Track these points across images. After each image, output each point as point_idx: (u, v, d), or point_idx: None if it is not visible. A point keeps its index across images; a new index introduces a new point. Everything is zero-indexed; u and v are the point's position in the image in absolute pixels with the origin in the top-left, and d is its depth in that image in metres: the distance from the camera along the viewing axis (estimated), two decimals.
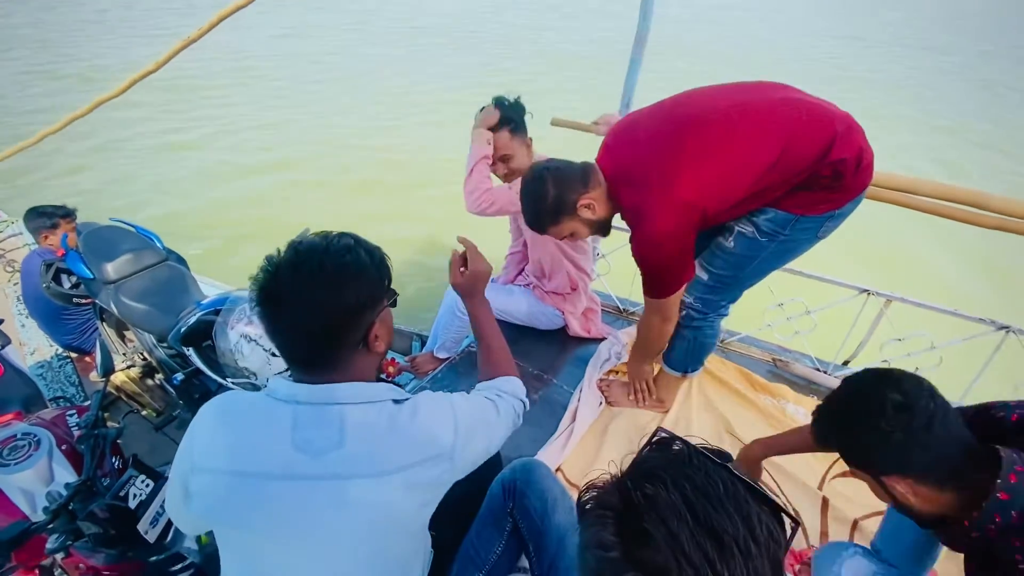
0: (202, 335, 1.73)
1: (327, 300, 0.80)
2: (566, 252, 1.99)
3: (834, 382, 2.09)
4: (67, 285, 2.42)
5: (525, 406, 1.09)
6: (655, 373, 1.87)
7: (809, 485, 1.69)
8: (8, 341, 1.95)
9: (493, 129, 1.80)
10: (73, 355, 2.85)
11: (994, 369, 1.81)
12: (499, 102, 1.82)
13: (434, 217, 5.01)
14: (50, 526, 1.31)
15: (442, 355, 2.18)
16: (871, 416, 0.84)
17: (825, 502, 1.64)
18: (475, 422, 0.94)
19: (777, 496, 0.52)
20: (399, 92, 8.53)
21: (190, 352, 1.73)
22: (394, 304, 0.92)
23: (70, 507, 1.35)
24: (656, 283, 1.46)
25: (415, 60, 10.08)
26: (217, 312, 1.66)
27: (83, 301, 2.41)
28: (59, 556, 1.34)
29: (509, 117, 1.81)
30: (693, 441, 0.58)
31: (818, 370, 2.13)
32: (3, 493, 1.40)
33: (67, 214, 2.51)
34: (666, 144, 1.32)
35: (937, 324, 1.89)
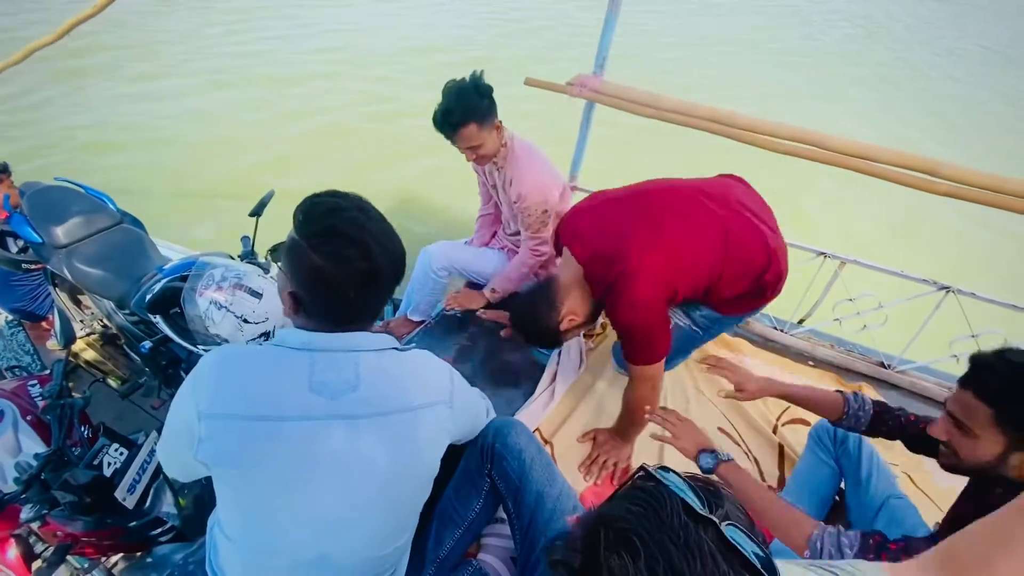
0: (169, 302, 1.68)
1: (402, 255, 0.90)
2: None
3: (789, 339, 2.23)
4: (14, 249, 2.28)
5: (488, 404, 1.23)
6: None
7: (765, 431, 1.83)
8: None
9: (461, 125, 1.69)
10: (26, 322, 2.73)
11: (934, 325, 1.95)
12: (460, 92, 1.69)
13: (410, 174, 4.89)
14: (23, 496, 1.31)
15: (416, 318, 2.20)
16: None
17: (781, 448, 1.78)
18: (464, 383, 1.04)
19: (761, 562, 0.46)
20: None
21: (158, 320, 1.69)
22: None
23: (42, 477, 1.34)
24: (644, 348, 1.46)
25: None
26: (184, 279, 1.61)
27: (32, 267, 2.28)
28: (35, 525, 1.33)
29: (472, 109, 1.69)
30: (678, 472, 0.53)
31: (776, 328, 2.26)
32: None
33: (3, 169, 2.33)
34: (639, 223, 1.42)
35: (885, 285, 2.01)
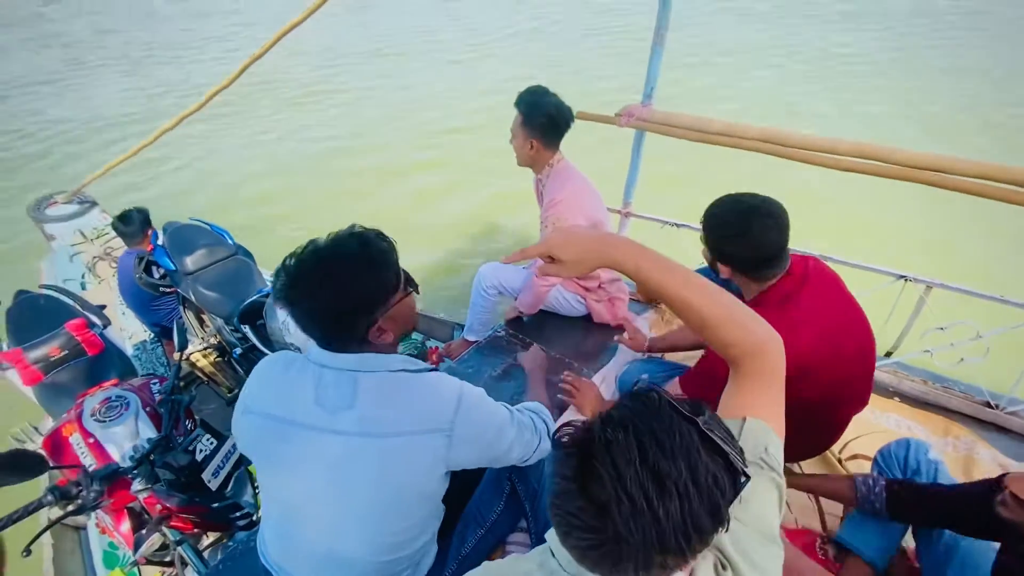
0: (256, 315, 1.97)
1: (328, 300, 0.89)
2: None
3: (877, 375, 2.01)
4: (156, 276, 2.78)
5: (548, 427, 1.13)
6: None
7: (832, 461, 1.67)
8: (109, 322, 2.30)
9: (517, 105, 1.90)
10: (164, 339, 3.27)
11: None
12: (544, 92, 1.89)
13: (487, 204, 5.13)
14: (135, 471, 1.57)
15: (471, 338, 2.32)
16: None
17: None
18: (481, 414, 0.99)
19: (734, 453, 0.56)
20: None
21: (246, 329, 1.98)
22: (414, 291, 1.00)
23: (151, 458, 1.61)
24: (698, 379, 1.40)
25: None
26: (268, 295, 1.89)
27: (168, 290, 2.77)
28: (142, 495, 1.59)
29: (522, 103, 1.89)
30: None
31: None
32: (100, 444, 1.69)
33: (146, 219, 2.88)
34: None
35: (982, 312, 1.78)
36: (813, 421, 1.40)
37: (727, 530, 0.57)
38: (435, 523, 1.07)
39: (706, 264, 1.39)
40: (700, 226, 1.31)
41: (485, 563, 0.75)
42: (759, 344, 0.78)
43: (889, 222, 4.40)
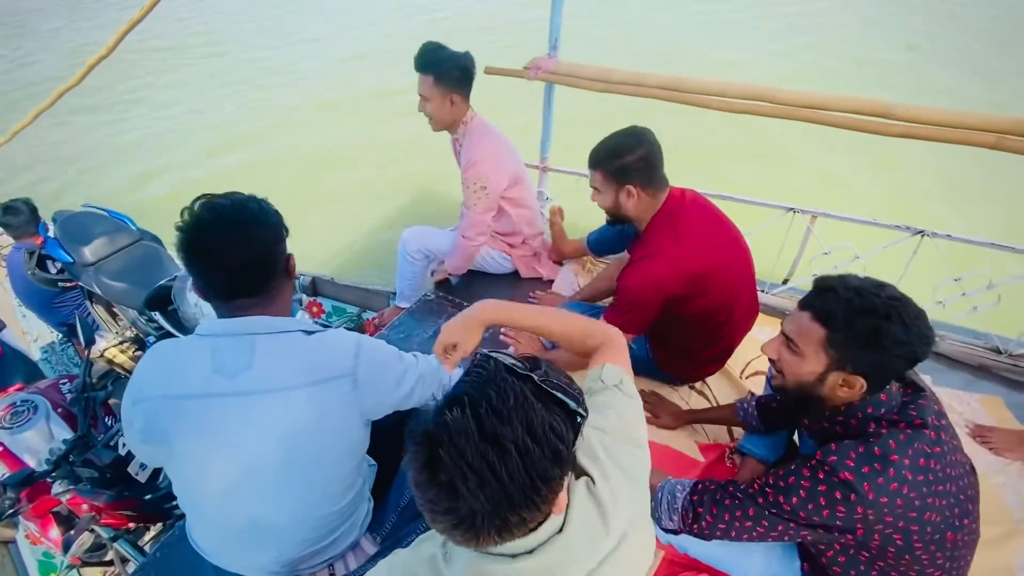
0: (164, 300, 1.88)
1: (253, 239, 0.93)
2: (508, 198, 2.08)
3: (773, 299, 2.22)
4: (53, 271, 2.57)
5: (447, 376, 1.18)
6: None
7: (736, 382, 1.86)
8: (3, 325, 2.13)
9: (422, 70, 1.84)
10: (74, 338, 3.05)
11: (913, 271, 1.92)
12: (439, 48, 1.84)
13: (417, 175, 5.01)
14: (53, 474, 1.51)
15: (403, 304, 2.33)
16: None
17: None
18: (383, 356, 1.04)
19: (572, 395, 0.62)
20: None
21: (157, 316, 1.89)
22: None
23: (70, 458, 1.55)
24: (622, 310, 1.50)
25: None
26: (175, 279, 1.81)
27: (68, 284, 2.57)
28: (65, 497, 1.54)
29: (436, 63, 1.83)
30: (508, 353, 0.69)
31: (760, 290, 2.25)
32: (11, 452, 1.60)
33: (34, 210, 2.63)
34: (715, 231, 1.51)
35: (859, 235, 1.99)
36: (711, 331, 1.59)
37: (576, 476, 0.64)
38: (360, 479, 1.09)
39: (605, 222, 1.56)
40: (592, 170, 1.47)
41: (396, 551, 0.78)
42: (604, 338, 0.99)
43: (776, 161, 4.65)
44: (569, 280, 2.31)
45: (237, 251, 0.92)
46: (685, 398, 1.82)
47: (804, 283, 2.20)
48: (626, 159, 1.41)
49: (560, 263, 2.36)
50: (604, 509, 0.68)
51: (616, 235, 1.96)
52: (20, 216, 2.53)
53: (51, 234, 2.44)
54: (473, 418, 0.57)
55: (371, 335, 2.38)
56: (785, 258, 2.20)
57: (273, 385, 0.92)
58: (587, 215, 1.95)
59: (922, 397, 0.99)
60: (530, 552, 0.62)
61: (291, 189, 4.82)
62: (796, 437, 1.51)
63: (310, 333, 0.99)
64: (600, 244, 2.09)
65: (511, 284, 2.32)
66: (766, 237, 2.18)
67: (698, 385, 1.88)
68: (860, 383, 0.94)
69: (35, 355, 2.83)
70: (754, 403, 1.43)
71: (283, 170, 5.30)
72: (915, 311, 0.91)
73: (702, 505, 1.06)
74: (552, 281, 2.31)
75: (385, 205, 4.63)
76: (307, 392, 0.93)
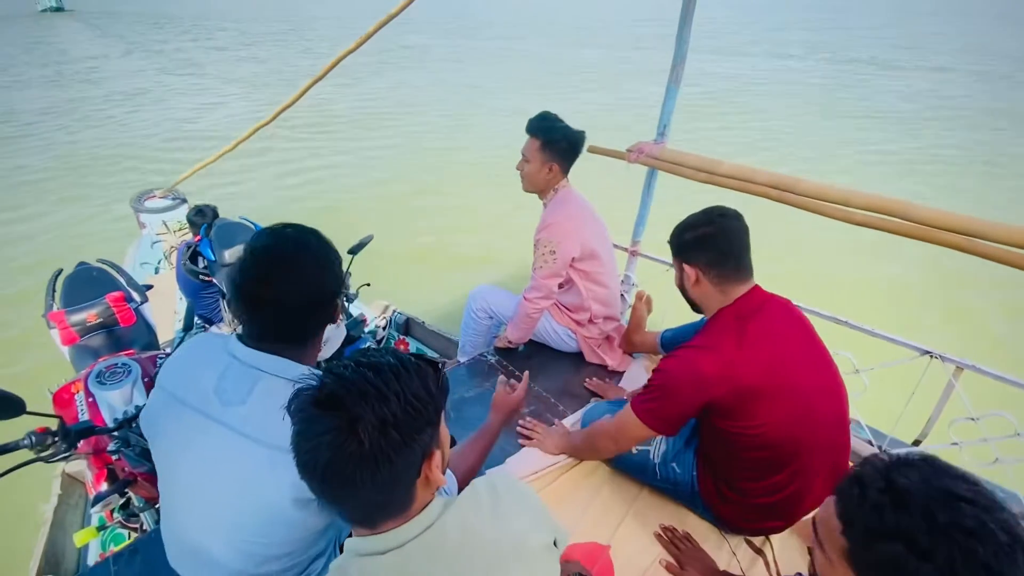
0: None
1: (312, 282, 0.93)
2: (580, 271, 1.99)
3: None
4: (201, 265, 3.05)
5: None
6: None
7: None
8: (146, 300, 2.54)
9: (531, 133, 1.91)
10: (207, 326, 3.54)
11: None
12: (555, 118, 1.91)
13: (486, 228, 5.19)
14: (114, 433, 1.69)
15: (462, 359, 2.30)
16: None
17: None
18: None
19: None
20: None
21: None
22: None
23: (132, 425, 1.73)
24: (651, 395, 1.32)
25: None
26: None
27: (206, 278, 3.02)
28: (114, 457, 1.71)
29: (547, 129, 1.89)
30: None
31: (875, 446, 1.79)
32: (96, 405, 1.84)
33: (216, 215, 3.19)
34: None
35: (1020, 404, 1.50)
36: (772, 469, 1.27)
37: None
38: (313, 549, 0.96)
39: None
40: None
41: None
42: None
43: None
44: (639, 376, 2.09)
45: (294, 292, 0.90)
46: (735, 551, 1.47)
47: (941, 449, 1.71)
48: (687, 235, 1.31)
49: (631, 355, 2.16)
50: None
51: (693, 336, 1.74)
52: (205, 218, 3.10)
53: (209, 235, 2.91)
54: (354, 367, 0.66)
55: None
56: (915, 412, 1.74)
57: (251, 433, 0.89)
58: (676, 310, 1.76)
59: None
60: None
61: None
62: None
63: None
64: (672, 343, 1.88)
65: (573, 364, 2.18)
66: (891, 380, 1.77)
67: (757, 541, 1.51)
68: None
69: (171, 334, 3.33)
70: None
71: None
72: (994, 552, 0.56)
73: None
74: (616, 373, 2.11)
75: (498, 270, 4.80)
76: (270, 455, 0.86)
